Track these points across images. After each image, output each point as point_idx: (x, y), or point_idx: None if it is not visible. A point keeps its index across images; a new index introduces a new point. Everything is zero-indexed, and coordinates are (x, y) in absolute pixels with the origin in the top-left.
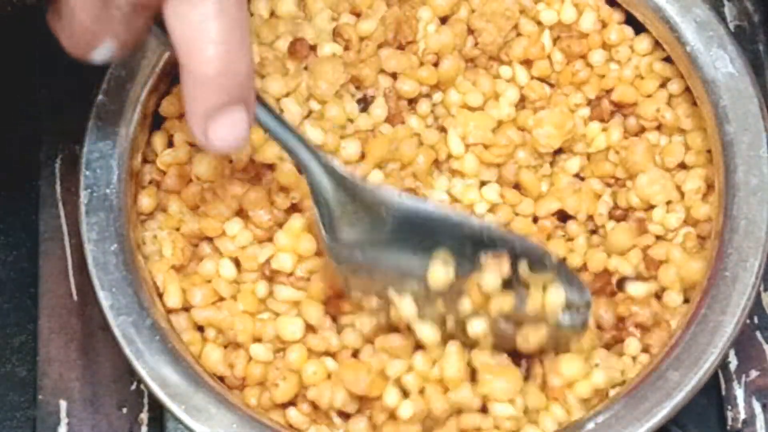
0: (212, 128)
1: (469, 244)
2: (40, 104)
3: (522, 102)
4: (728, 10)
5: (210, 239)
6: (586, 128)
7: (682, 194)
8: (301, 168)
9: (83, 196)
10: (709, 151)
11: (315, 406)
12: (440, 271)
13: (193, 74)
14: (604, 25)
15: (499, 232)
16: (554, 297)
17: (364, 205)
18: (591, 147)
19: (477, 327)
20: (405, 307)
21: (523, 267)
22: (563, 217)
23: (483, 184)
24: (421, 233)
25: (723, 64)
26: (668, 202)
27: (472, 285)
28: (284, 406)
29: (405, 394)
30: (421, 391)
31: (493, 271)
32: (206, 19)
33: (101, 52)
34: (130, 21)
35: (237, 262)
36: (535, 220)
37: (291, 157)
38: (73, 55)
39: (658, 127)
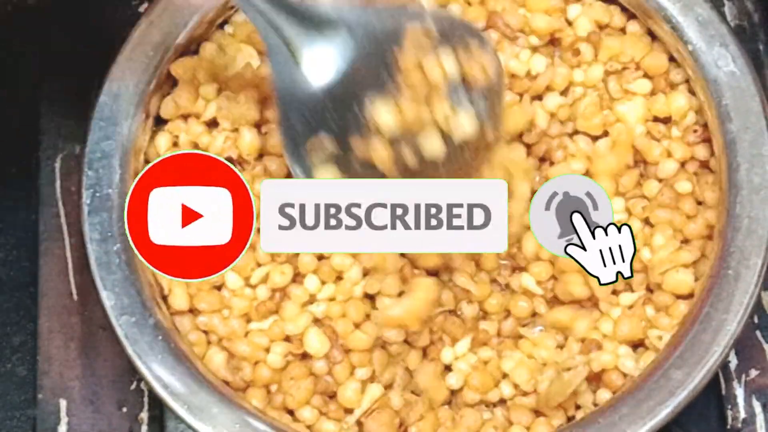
0: None
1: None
2: (40, 104)
3: None
4: (728, 10)
5: None
6: None
7: None
8: (260, 28)
9: (85, 196)
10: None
11: (326, 402)
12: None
13: None
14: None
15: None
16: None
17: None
18: None
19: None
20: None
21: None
22: None
23: None
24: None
25: (725, 62)
26: None
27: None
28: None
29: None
30: None
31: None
32: None
33: None
34: None
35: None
36: None
37: (251, 19)
38: None
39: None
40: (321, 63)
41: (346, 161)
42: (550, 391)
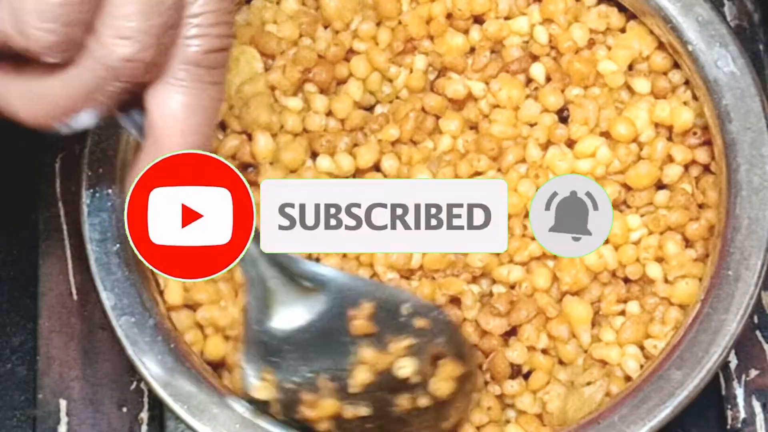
0: None
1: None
2: None
3: None
4: (728, 10)
5: None
6: None
7: None
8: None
9: (85, 196)
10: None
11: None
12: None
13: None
14: None
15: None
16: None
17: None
18: None
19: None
20: None
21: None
22: None
23: None
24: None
25: (725, 63)
26: None
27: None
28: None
29: None
30: None
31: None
32: (180, 106)
33: (80, 120)
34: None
35: None
36: None
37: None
38: (34, 123)
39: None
40: (291, 314)
41: (288, 403)
42: (566, 409)
